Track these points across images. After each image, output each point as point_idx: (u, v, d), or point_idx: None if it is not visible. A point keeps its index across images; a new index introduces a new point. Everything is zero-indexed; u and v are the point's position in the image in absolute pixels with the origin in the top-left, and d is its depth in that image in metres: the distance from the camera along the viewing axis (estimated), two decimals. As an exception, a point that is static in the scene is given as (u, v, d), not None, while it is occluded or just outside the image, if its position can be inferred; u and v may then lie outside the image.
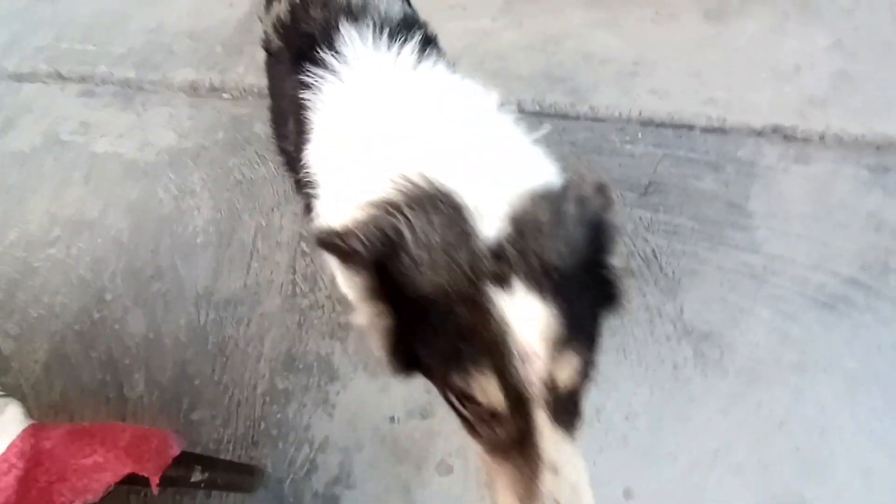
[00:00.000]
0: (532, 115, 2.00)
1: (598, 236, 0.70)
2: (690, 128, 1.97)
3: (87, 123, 2.13)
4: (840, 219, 1.77)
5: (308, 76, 0.96)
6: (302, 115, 0.97)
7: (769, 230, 1.77)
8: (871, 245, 1.72)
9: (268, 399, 1.54)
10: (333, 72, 0.95)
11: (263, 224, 1.84)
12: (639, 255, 1.74)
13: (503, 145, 0.80)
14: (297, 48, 1.04)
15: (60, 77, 2.28)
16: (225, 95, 2.18)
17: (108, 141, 2.08)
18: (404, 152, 0.76)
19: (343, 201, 0.80)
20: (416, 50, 0.96)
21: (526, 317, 0.62)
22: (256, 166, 1.96)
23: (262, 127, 2.04)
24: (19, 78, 2.31)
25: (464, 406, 0.68)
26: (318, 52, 0.97)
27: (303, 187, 0.99)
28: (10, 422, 0.80)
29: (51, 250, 1.86)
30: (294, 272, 1.73)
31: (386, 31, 0.98)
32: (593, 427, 1.47)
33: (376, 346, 0.75)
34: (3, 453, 0.76)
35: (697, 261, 1.72)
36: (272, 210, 1.87)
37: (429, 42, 1.03)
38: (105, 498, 0.85)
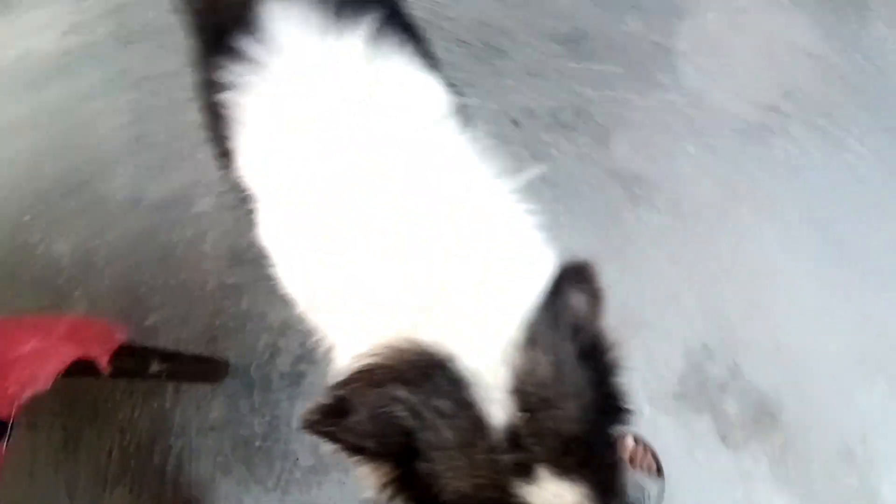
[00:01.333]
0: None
1: (599, 361, 0.64)
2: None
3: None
4: (762, 48, 1.79)
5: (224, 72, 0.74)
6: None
7: (694, 67, 1.78)
8: (790, 73, 1.77)
9: (219, 295, 1.54)
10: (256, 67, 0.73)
11: (181, 121, 1.71)
12: (570, 107, 1.74)
13: (499, 243, 0.69)
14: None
15: None
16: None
17: (-22, 51, 1.83)
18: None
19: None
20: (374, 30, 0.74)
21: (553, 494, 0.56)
22: (159, 60, 1.78)
23: (154, 14, 1.83)
24: None
25: None
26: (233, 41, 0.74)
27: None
28: None
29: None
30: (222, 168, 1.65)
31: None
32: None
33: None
34: None
35: (625, 106, 1.74)
36: (187, 104, 1.73)
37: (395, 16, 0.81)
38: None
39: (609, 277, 1.55)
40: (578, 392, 0.61)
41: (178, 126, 1.71)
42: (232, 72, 0.74)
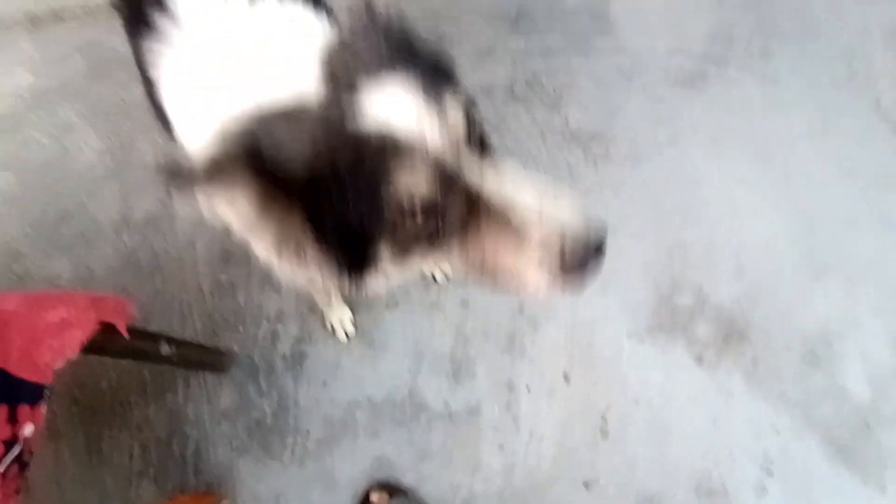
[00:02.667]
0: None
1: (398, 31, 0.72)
2: (546, -49, 2.03)
3: (-77, 86, 1.94)
4: (689, 4, 1.93)
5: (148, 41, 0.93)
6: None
7: (631, 31, 1.92)
8: (718, 20, 1.91)
9: (215, 294, 1.62)
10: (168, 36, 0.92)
11: (160, 141, 1.81)
12: (521, 81, 1.86)
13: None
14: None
15: None
16: (68, 20, 2.01)
17: (-43, 99, 1.92)
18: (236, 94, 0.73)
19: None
20: None
21: (393, 105, 0.63)
22: (131, 86, 1.88)
23: (123, 45, 1.93)
24: None
25: (406, 226, 0.65)
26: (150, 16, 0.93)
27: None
28: None
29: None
30: (203, 176, 1.75)
31: None
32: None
33: (299, 266, 0.72)
34: None
35: (572, 73, 1.87)
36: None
37: None
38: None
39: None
40: (384, 35, 0.69)
41: (155, 144, 1.81)
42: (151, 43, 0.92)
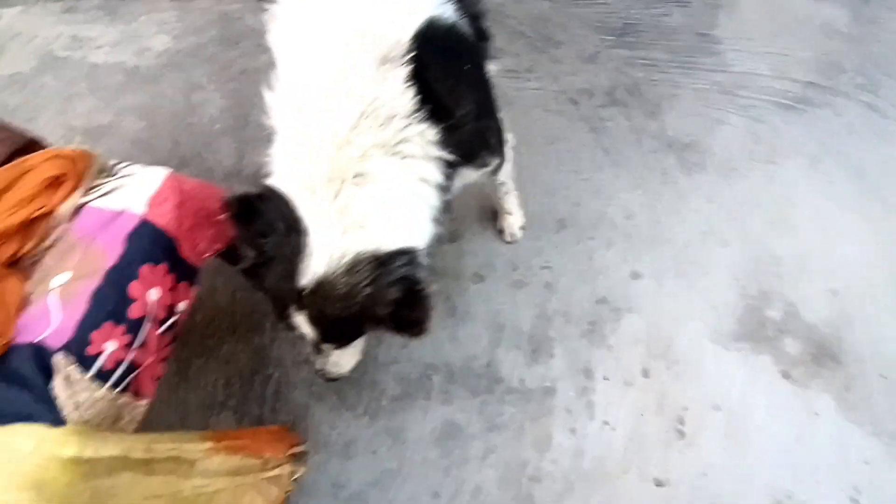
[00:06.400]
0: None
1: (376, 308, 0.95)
2: (656, -29, 2.12)
3: (78, 38, 2.17)
4: (797, 32, 1.96)
5: None
6: None
7: (735, 52, 1.96)
8: (825, 51, 1.93)
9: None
10: None
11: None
12: (622, 87, 1.92)
13: (388, 193, 0.95)
14: None
15: (38, -1, 2.29)
16: (209, -5, 2.23)
17: (105, 52, 2.13)
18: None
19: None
20: None
21: (302, 324, 1.00)
22: (257, 55, 2.05)
23: (253, 20, 2.12)
24: (-5, 6, 2.31)
25: None
26: None
27: None
28: (155, 168, 0.98)
29: (75, 157, 1.95)
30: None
31: None
32: (598, 229, 1.69)
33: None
34: (159, 187, 0.93)
35: (674, 86, 1.91)
36: (280, 91, 1.98)
37: None
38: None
39: (666, 231, 1.70)
40: (350, 304, 0.93)
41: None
42: None
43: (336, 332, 1.04)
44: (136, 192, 0.93)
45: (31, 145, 1.02)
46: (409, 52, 0.93)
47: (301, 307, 0.96)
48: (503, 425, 1.46)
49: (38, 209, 0.85)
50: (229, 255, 1.05)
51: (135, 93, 2.04)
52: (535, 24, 2.04)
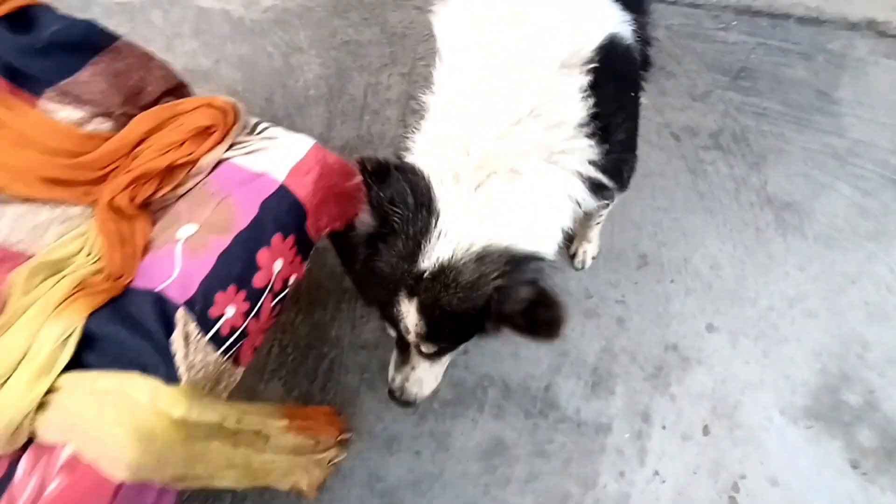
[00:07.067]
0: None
1: (490, 308, 0.86)
2: (786, 17, 2.02)
3: (191, -21, 2.18)
4: (923, 108, 1.86)
5: None
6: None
7: (855, 117, 1.86)
8: (951, 135, 1.82)
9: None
10: None
11: (373, 82, 1.93)
12: (728, 132, 1.85)
13: (535, 197, 0.90)
14: None
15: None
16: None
17: (214, -2, 2.14)
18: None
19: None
20: None
21: (409, 314, 0.90)
22: (363, 29, 2.03)
23: (365, -7, 2.09)
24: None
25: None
26: None
27: None
28: (300, 136, 0.96)
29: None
30: (405, 126, 1.84)
31: None
32: (681, 273, 1.63)
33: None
34: (304, 157, 0.91)
35: (783, 140, 1.83)
36: (380, 69, 1.96)
37: None
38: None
39: (751, 289, 1.62)
40: (467, 299, 0.86)
41: (370, 86, 1.93)
42: None
43: (446, 328, 0.92)
44: (279, 157, 0.91)
45: (180, 87, 1.01)
46: (589, 62, 0.89)
47: (413, 293, 0.87)
48: (551, 453, 1.43)
49: (185, 156, 0.84)
50: (339, 237, 1.03)
51: (237, 43, 2.04)
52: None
